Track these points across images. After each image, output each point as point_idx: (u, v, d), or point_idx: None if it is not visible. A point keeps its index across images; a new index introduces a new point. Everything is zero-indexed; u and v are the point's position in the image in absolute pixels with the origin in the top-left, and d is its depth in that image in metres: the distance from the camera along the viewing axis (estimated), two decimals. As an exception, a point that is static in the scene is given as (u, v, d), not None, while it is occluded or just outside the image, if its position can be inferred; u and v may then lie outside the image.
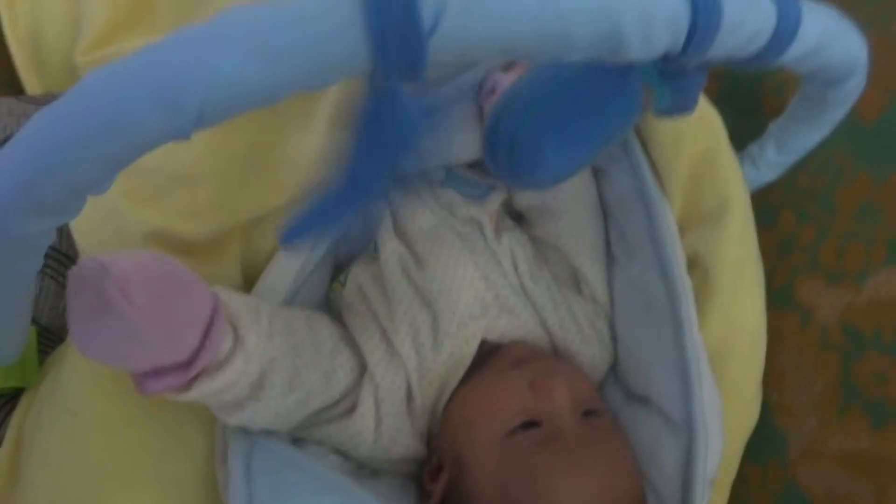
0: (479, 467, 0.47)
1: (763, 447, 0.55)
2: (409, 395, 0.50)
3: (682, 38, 0.29)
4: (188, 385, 0.39)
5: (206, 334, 0.38)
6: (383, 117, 0.28)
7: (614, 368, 0.57)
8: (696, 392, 0.48)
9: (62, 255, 0.54)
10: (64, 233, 0.55)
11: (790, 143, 0.51)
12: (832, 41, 0.36)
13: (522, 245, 0.56)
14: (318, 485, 0.44)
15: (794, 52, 0.34)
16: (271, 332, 0.44)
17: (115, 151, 0.25)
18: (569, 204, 0.56)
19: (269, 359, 0.43)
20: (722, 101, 0.55)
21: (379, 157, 0.30)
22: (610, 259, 0.57)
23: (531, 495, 0.44)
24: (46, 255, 0.54)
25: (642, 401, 0.53)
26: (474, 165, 0.57)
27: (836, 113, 0.46)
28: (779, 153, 0.53)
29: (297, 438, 0.49)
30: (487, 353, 0.52)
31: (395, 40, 0.23)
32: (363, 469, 0.51)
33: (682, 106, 0.44)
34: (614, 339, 0.56)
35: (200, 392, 0.40)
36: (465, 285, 0.51)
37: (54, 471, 0.43)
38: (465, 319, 0.51)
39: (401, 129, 0.29)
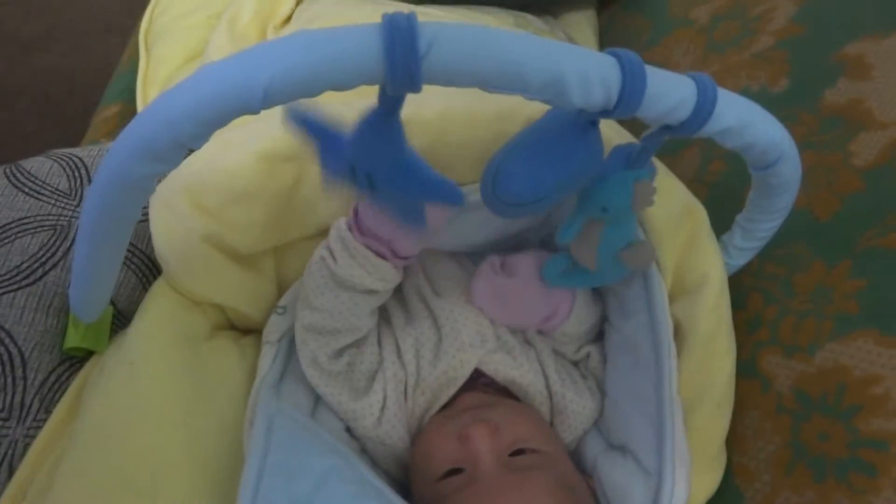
0: (419, 500, 0.54)
1: (724, 505, 0.59)
2: (405, 395, 0.58)
3: (614, 95, 0.40)
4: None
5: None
6: (381, 128, 0.40)
7: (598, 421, 0.63)
8: (668, 442, 0.54)
9: (144, 256, 0.67)
10: (146, 239, 0.68)
11: (752, 230, 0.60)
12: (752, 123, 0.46)
13: None
14: (325, 448, 0.51)
15: (716, 126, 0.45)
16: None
17: (210, 117, 0.37)
18: (571, 321, 0.65)
19: (391, 289, 0.60)
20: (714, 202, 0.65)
21: (367, 160, 0.42)
22: (605, 323, 0.65)
23: None
24: (132, 253, 0.67)
25: (620, 449, 0.59)
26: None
27: (783, 199, 0.55)
28: (744, 240, 0.62)
29: (316, 411, 0.58)
30: (486, 385, 0.60)
31: (401, 59, 0.35)
32: (365, 455, 0.58)
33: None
34: (603, 394, 0.63)
35: (381, 266, 0.56)
36: (471, 319, 0.61)
37: (106, 405, 0.52)
38: (464, 346, 0.59)
39: (389, 146, 0.41)
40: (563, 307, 0.61)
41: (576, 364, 0.65)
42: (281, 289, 0.65)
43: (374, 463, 0.59)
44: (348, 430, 0.58)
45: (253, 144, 0.57)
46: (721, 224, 0.66)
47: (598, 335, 0.66)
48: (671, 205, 0.60)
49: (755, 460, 0.58)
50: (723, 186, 0.74)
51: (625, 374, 0.60)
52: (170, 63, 0.93)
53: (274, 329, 0.61)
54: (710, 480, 0.58)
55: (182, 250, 0.56)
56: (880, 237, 0.57)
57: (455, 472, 0.52)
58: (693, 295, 0.60)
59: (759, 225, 0.59)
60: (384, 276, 0.56)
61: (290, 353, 0.60)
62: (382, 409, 0.58)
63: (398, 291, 0.65)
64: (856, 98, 0.65)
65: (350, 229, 0.55)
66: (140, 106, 0.92)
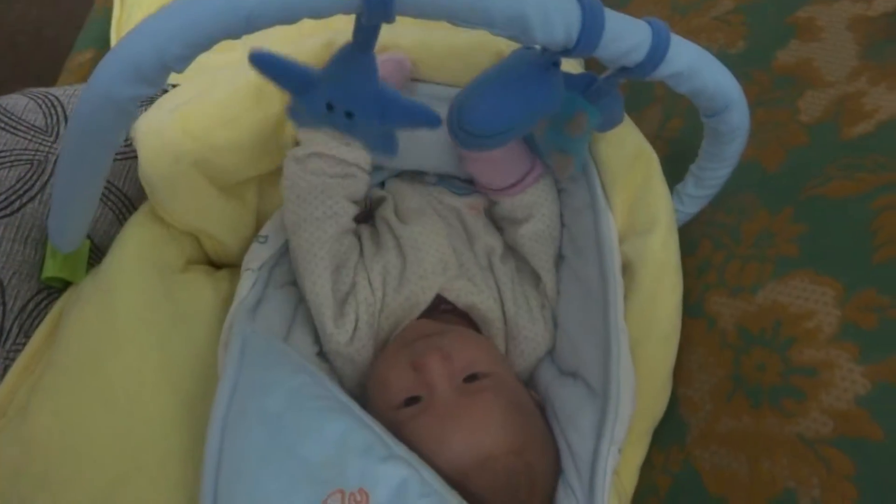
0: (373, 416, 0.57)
1: (669, 434, 0.63)
2: (375, 318, 0.61)
3: (574, 34, 0.43)
4: None
5: None
6: (357, 63, 0.42)
7: (552, 351, 0.67)
8: (614, 365, 0.58)
9: (121, 193, 0.69)
10: (128, 176, 0.69)
11: (704, 178, 0.64)
12: (702, 69, 0.50)
13: (497, 239, 0.68)
14: (296, 367, 0.54)
15: (668, 69, 0.48)
16: None
17: (196, 39, 0.39)
18: (535, 218, 0.68)
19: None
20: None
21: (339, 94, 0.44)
22: (559, 258, 0.69)
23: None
24: (108, 191, 0.69)
25: (571, 375, 0.63)
26: (462, 179, 0.72)
27: (732, 147, 0.59)
28: (696, 187, 0.65)
29: (289, 336, 0.60)
30: (447, 312, 0.64)
31: (375, -11, 0.37)
32: (334, 376, 0.61)
33: (610, 122, 0.58)
34: (556, 326, 0.67)
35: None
36: (434, 247, 0.64)
37: (83, 330, 0.55)
38: (427, 273, 0.62)
39: (365, 79, 0.43)
40: (538, 165, 0.65)
41: (537, 287, 0.68)
42: (261, 222, 0.68)
43: (342, 383, 0.62)
44: (320, 354, 0.61)
45: (242, 77, 0.59)
46: (679, 176, 0.70)
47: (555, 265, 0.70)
48: (625, 147, 0.64)
49: (699, 392, 0.62)
50: (680, 142, 0.77)
51: (576, 306, 0.64)
52: (144, 6, 0.93)
53: (255, 257, 0.63)
54: (657, 407, 0.63)
55: (169, 175, 0.58)
56: (820, 186, 0.61)
57: (412, 400, 0.55)
58: (643, 235, 0.63)
59: (710, 173, 0.63)
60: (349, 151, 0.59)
61: (268, 281, 0.62)
62: (355, 329, 0.61)
63: (370, 223, 0.68)
64: (805, 58, 0.69)
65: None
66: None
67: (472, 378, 0.56)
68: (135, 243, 0.60)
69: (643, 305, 0.62)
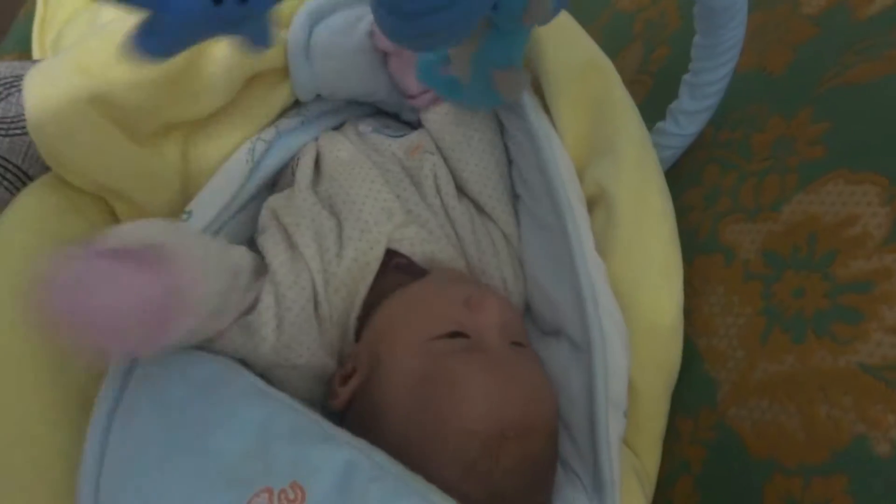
0: (396, 362, 0.45)
1: (695, 396, 0.51)
2: (315, 300, 0.50)
3: None
4: None
5: None
6: None
7: (528, 309, 0.56)
8: (590, 306, 0.47)
9: (20, 171, 0.58)
10: (28, 153, 0.59)
11: (701, 86, 0.54)
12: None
13: (446, 172, 0.58)
14: (206, 359, 0.43)
15: None
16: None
17: None
18: (475, 148, 0.57)
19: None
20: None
21: None
22: (516, 201, 0.58)
23: (446, 397, 0.42)
24: (5, 169, 0.59)
25: (554, 334, 0.52)
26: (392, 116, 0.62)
27: (729, 32, 0.49)
28: (693, 100, 0.55)
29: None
30: (403, 270, 0.52)
31: None
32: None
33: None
34: (525, 278, 0.56)
35: None
36: (371, 196, 0.53)
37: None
38: (369, 225, 0.52)
39: None
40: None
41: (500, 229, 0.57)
42: (190, 189, 0.56)
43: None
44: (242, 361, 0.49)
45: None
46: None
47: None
48: (573, 55, 0.54)
49: (725, 338, 0.51)
50: (667, 73, 0.68)
51: (538, 248, 0.53)
52: (68, 6, 0.85)
53: None
54: (668, 358, 0.51)
55: (63, 118, 0.47)
56: (839, 76, 0.51)
57: (457, 335, 0.45)
58: (609, 155, 0.53)
59: (707, 76, 0.53)
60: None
61: None
62: (279, 326, 0.49)
63: (288, 193, 0.57)
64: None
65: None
66: (36, 52, 0.84)
67: (516, 344, 0.47)
68: (22, 215, 0.49)
69: (628, 240, 0.51)
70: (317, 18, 0.55)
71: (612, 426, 0.44)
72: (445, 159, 0.57)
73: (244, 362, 0.48)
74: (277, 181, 0.61)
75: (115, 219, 0.54)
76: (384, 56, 0.58)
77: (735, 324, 0.50)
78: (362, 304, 0.50)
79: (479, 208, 0.56)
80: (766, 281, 0.49)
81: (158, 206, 0.54)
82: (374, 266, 0.51)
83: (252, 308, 0.48)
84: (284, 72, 0.57)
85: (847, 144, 0.48)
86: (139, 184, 0.52)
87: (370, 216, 0.51)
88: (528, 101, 0.53)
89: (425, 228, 0.53)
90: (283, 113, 0.61)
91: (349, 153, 0.56)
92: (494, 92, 0.46)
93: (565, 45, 0.51)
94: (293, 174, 0.57)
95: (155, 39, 0.37)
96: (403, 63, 0.56)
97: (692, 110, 0.55)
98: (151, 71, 0.49)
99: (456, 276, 0.52)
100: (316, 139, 0.60)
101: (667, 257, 0.51)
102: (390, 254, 0.52)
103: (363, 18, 0.56)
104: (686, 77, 0.55)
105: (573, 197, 0.50)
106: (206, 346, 0.47)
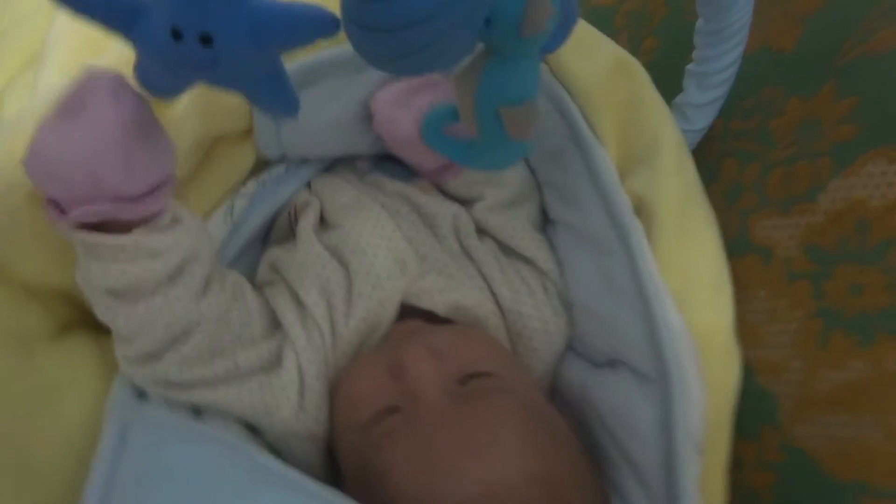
0: (343, 459, 0.40)
1: (753, 416, 0.46)
2: (326, 363, 0.44)
3: None
4: (125, 228, 0.35)
5: (159, 188, 0.36)
6: None
7: (575, 341, 0.51)
8: (664, 331, 0.42)
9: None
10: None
11: (708, 74, 0.50)
12: None
13: (466, 214, 0.52)
14: (205, 438, 0.37)
15: None
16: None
17: None
18: (491, 192, 0.53)
19: (196, 250, 0.39)
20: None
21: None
22: (548, 224, 0.53)
23: (381, 492, 0.36)
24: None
25: (609, 365, 0.47)
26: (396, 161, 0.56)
27: (735, 10, 0.45)
28: (701, 91, 0.51)
29: (197, 410, 0.43)
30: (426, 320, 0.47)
31: None
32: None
33: (569, 18, 0.43)
34: (569, 306, 0.50)
35: (132, 244, 0.36)
36: (383, 244, 0.47)
37: None
38: (381, 280, 0.46)
39: None
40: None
41: (530, 266, 0.51)
42: None
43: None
44: (252, 428, 0.44)
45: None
46: (670, 101, 0.55)
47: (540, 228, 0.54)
48: (598, 59, 0.49)
49: (777, 348, 0.46)
50: (660, 66, 0.63)
51: (590, 272, 0.48)
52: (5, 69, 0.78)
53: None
54: (728, 378, 0.46)
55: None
56: (861, 45, 0.47)
57: (387, 413, 0.39)
58: (648, 161, 0.48)
59: (714, 64, 0.49)
60: (153, 249, 0.38)
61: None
62: (301, 390, 0.43)
63: (289, 245, 0.51)
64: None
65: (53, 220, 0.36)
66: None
67: (469, 378, 0.40)
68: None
69: (674, 250, 0.46)
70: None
71: (690, 465, 0.38)
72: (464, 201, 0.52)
73: (251, 427, 0.43)
74: (270, 234, 0.56)
75: (84, 305, 0.48)
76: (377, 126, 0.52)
77: (786, 330, 0.46)
78: None
79: (504, 247, 0.51)
80: (814, 279, 0.44)
81: None
82: (384, 328, 0.45)
83: (273, 366, 0.43)
84: (249, 132, 0.51)
85: (882, 119, 0.44)
86: None
87: (382, 269, 0.46)
88: (573, 107, 0.48)
89: (444, 275, 0.47)
90: (258, 167, 0.55)
91: (351, 197, 0.51)
92: (514, 141, 0.38)
93: (582, 50, 0.46)
94: (290, 226, 0.51)
95: (151, 75, 0.31)
96: (413, 144, 0.49)
97: (701, 102, 0.51)
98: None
99: (394, 337, 0.45)
100: (308, 185, 0.54)
101: (715, 269, 0.46)
102: (406, 307, 0.46)
103: (352, 93, 0.50)
104: (690, 67, 0.51)
105: (632, 214, 0.45)
106: (211, 408, 0.42)
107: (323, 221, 0.52)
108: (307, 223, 0.51)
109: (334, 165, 0.57)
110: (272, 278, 0.48)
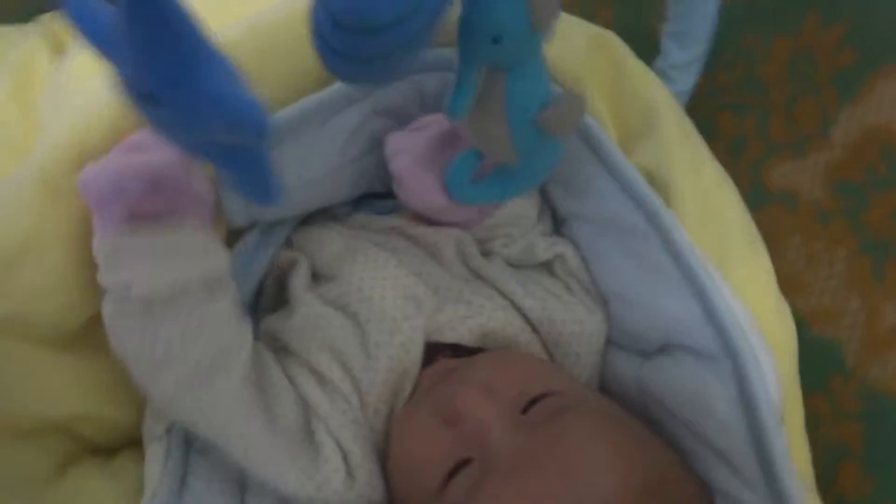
0: None
1: (817, 369, 0.44)
2: (361, 427, 0.40)
3: None
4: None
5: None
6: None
7: (616, 336, 0.47)
8: (719, 302, 0.39)
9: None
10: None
11: (687, 32, 0.48)
12: None
13: (466, 236, 0.48)
14: None
15: None
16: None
17: None
18: (518, 223, 0.49)
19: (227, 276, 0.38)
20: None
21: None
22: (560, 223, 0.50)
23: None
24: None
25: (664, 351, 0.43)
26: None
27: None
28: (681, 49, 0.49)
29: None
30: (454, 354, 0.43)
31: None
32: None
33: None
34: (602, 301, 0.47)
35: (189, 232, 0.35)
36: (389, 284, 0.43)
37: None
38: (397, 323, 0.41)
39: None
40: None
41: (550, 272, 0.48)
42: None
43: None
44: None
45: (27, 174, 0.38)
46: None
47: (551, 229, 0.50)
48: (573, 40, 0.46)
49: (827, 293, 0.44)
50: (623, 34, 0.62)
51: (617, 259, 0.44)
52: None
53: (156, 418, 0.40)
54: (786, 334, 0.43)
55: None
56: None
57: (459, 468, 0.34)
58: (649, 132, 0.46)
59: (693, 19, 0.47)
60: (205, 244, 0.38)
61: (187, 445, 0.39)
62: (344, 457, 0.38)
63: (285, 312, 0.46)
64: None
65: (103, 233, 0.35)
66: None
67: (532, 404, 0.35)
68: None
69: (699, 216, 0.44)
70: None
71: (780, 437, 0.35)
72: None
73: None
74: (259, 305, 0.50)
75: (82, 435, 0.42)
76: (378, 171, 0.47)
77: (832, 273, 0.44)
78: None
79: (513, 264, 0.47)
80: (849, 213, 0.42)
81: (121, 406, 0.42)
82: (414, 372, 0.40)
83: (315, 453, 0.38)
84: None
85: (878, 39, 0.42)
86: (89, 396, 0.40)
87: (395, 311, 0.41)
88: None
89: (462, 302, 0.43)
90: (230, 238, 0.49)
91: (341, 244, 0.46)
92: (549, 141, 0.35)
93: (561, 30, 0.43)
94: (280, 290, 0.46)
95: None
96: (452, 208, 0.45)
97: (684, 62, 0.49)
98: (56, 260, 0.38)
99: (427, 386, 0.41)
100: (288, 242, 0.49)
101: (744, 226, 0.44)
102: (431, 347, 0.42)
103: (328, 144, 0.45)
104: (667, 28, 0.49)
105: (649, 188, 0.42)
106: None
107: (315, 277, 0.47)
108: (298, 283, 0.45)
109: (311, 216, 0.52)
110: (276, 349, 0.43)
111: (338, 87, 0.45)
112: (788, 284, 0.45)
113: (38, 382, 0.39)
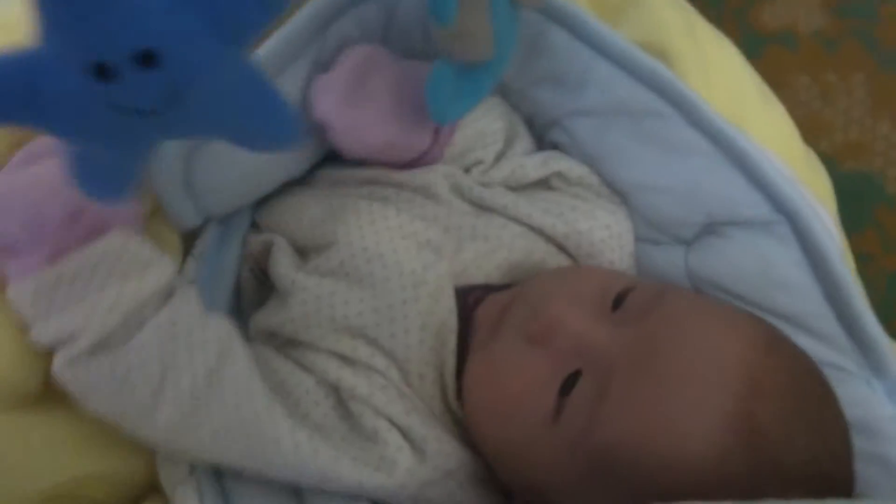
0: (538, 476, 0.32)
1: (858, 204, 0.42)
2: (404, 397, 0.36)
3: None
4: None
5: None
6: None
7: (647, 230, 0.44)
8: (762, 161, 0.36)
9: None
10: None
11: None
12: None
13: (457, 170, 0.44)
14: None
15: None
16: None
17: None
18: (490, 143, 0.45)
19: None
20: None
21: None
22: (547, 129, 0.46)
23: (629, 470, 0.29)
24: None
25: (710, 231, 0.40)
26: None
27: None
28: None
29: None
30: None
31: None
32: None
33: None
34: (622, 196, 0.44)
35: (120, 245, 0.30)
36: (397, 236, 0.39)
37: None
38: (418, 274, 0.37)
39: None
40: None
41: (549, 188, 0.45)
42: None
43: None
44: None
45: None
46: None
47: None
48: None
49: (851, 125, 0.41)
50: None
51: (638, 149, 0.41)
52: None
53: (172, 463, 0.36)
54: (821, 178, 0.41)
55: None
56: None
57: (570, 385, 0.32)
58: (633, 2, 0.42)
59: None
60: (142, 256, 0.32)
61: (219, 477, 0.36)
62: (405, 435, 0.35)
63: (256, 299, 0.41)
64: None
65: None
66: None
67: (620, 301, 0.33)
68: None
69: (707, 79, 0.41)
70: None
71: (857, 289, 0.33)
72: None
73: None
74: (240, 306, 0.45)
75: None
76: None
77: (854, 103, 0.41)
78: (454, 374, 0.37)
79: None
80: (859, 34, 0.39)
81: (128, 457, 0.38)
82: (452, 323, 0.37)
83: (348, 422, 0.35)
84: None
85: None
86: (89, 452, 0.36)
87: (414, 261, 0.37)
88: None
89: (478, 238, 0.39)
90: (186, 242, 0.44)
91: (321, 207, 0.41)
92: (513, 22, 0.31)
93: None
94: (260, 281, 0.42)
95: (90, 170, 0.22)
96: (393, 145, 0.40)
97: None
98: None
99: (490, 317, 0.38)
100: (254, 225, 0.44)
101: (751, 78, 0.41)
102: (463, 293, 0.38)
103: None
104: None
105: (654, 60, 0.39)
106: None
107: (301, 253, 0.42)
108: (283, 266, 0.40)
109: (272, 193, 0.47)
110: (279, 347, 0.39)
111: (269, 47, 0.40)
112: (808, 127, 0.43)
113: (16, 455, 0.35)
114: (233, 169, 0.39)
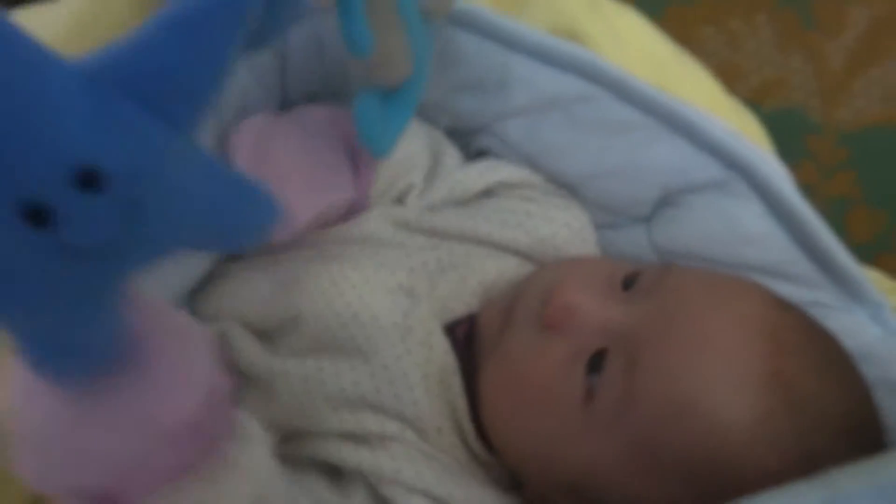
0: (596, 479, 0.31)
1: (789, 138, 0.43)
2: (425, 454, 0.34)
3: None
4: None
5: None
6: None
7: (604, 216, 0.43)
8: (703, 123, 0.36)
9: None
10: None
11: None
12: None
13: (396, 206, 0.42)
14: None
15: None
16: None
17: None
18: (416, 167, 0.43)
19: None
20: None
21: None
22: (473, 136, 0.44)
23: (669, 449, 0.28)
24: None
25: (667, 203, 0.40)
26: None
27: None
28: None
29: None
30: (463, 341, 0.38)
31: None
32: None
33: None
34: (571, 189, 0.43)
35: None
36: (365, 292, 0.36)
37: None
38: (403, 325, 0.35)
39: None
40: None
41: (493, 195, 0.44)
42: None
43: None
44: None
45: None
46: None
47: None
48: None
49: (765, 65, 0.42)
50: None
51: (578, 138, 0.40)
52: None
53: None
54: (756, 129, 0.42)
55: None
56: None
57: (596, 365, 0.31)
58: None
59: None
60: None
61: None
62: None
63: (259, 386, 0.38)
64: None
65: None
66: None
67: (630, 280, 0.32)
68: None
69: (621, 51, 0.41)
70: None
71: (821, 223, 0.34)
72: None
73: None
74: None
75: None
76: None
77: (760, 43, 0.41)
78: (468, 416, 0.35)
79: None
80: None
81: None
82: (451, 363, 0.35)
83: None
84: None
85: None
86: None
87: (393, 312, 0.35)
88: None
89: (448, 270, 0.37)
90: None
91: (268, 278, 0.38)
92: (425, 34, 0.30)
93: None
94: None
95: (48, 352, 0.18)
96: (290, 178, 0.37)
97: None
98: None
99: (496, 322, 0.37)
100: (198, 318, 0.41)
101: (661, 41, 0.41)
102: (448, 330, 0.37)
103: None
104: None
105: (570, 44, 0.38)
106: None
107: (261, 336, 0.39)
108: (250, 355, 0.37)
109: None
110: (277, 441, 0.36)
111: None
112: (722, 75, 0.43)
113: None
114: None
